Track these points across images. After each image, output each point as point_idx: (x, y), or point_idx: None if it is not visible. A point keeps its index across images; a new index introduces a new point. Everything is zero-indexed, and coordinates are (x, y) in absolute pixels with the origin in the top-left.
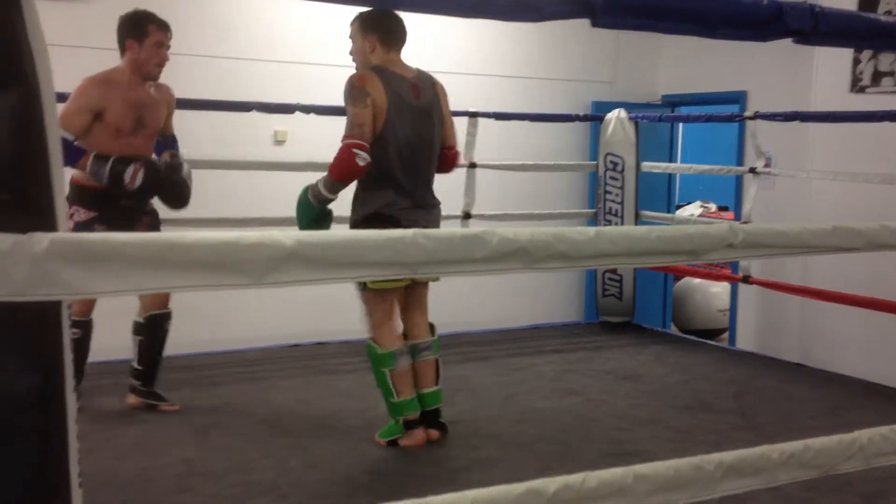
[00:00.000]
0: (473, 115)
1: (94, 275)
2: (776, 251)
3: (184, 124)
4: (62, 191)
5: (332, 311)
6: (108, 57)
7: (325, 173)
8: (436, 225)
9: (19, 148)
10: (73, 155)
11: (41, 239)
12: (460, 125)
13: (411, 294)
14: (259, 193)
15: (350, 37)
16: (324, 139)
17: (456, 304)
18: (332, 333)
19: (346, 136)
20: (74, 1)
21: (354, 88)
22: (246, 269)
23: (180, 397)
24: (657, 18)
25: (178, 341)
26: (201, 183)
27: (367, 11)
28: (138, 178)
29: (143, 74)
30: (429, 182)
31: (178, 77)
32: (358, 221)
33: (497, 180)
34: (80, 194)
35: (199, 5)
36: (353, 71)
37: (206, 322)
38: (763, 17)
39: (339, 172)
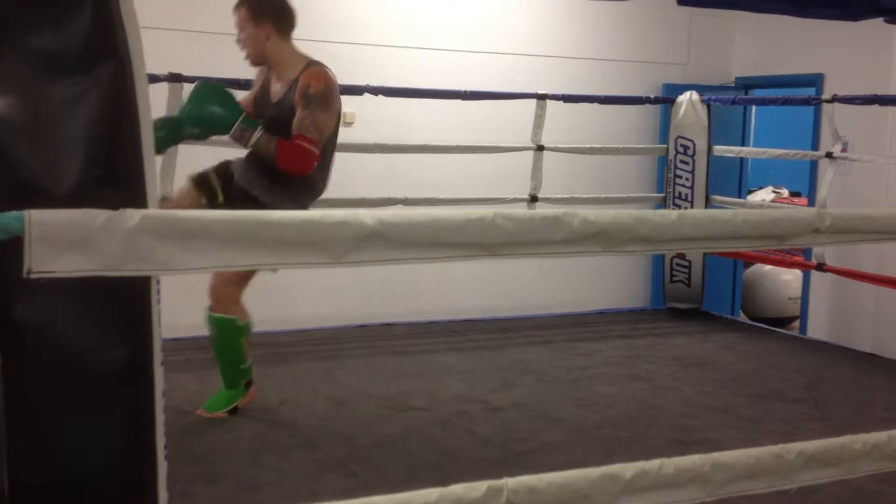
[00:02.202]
0: (542, 98)
1: (185, 251)
2: (865, 237)
3: None
4: (153, 167)
5: (399, 292)
6: (176, 38)
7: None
8: None
9: (111, 124)
10: None
11: (133, 215)
12: (528, 107)
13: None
14: None
15: (237, 24)
16: (392, 121)
17: (521, 287)
18: (399, 315)
19: (311, 140)
20: None
21: (330, 94)
22: (329, 247)
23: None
24: None
25: None
26: None
27: None
28: None
29: None
30: None
31: None
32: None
33: (564, 163)
34: None
35: None
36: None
37: (277, 301)
38: None
39: (290, 167)
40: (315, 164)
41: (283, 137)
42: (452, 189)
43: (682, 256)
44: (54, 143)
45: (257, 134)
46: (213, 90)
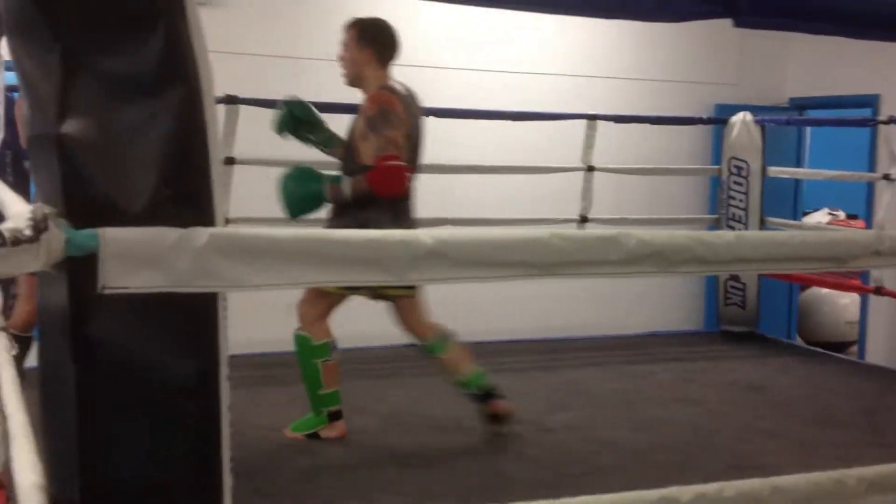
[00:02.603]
0: (592, 118)
1: (251, 269)
2: None
3: None
4: (221, 186)
5: (447, 312)
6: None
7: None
8: None
9: (182, 145)
10: None
11: (202, 233)
12: (579, 128)
13: (396, 311)
14: None
15: (343, 42)
16: (441, 142)
17: (572, 308)
18: None
19: (389, 157)
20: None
21: (389, 113)
22: (391, 265)
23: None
24: (805, 18)
25: None
26: None
27: (369, 21)
28: None
29: None
30: None
31: (307, 79)
32: None
33: (612, 184)
34: None
35: (322, 9)
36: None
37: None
38: None
39: (388, 190)
40: (408, 174)
41: (366, 171)
42: (500, 209)
43: (736, 279)
44: (128, 163)
45: (346, 184)
46: (292, 176)
